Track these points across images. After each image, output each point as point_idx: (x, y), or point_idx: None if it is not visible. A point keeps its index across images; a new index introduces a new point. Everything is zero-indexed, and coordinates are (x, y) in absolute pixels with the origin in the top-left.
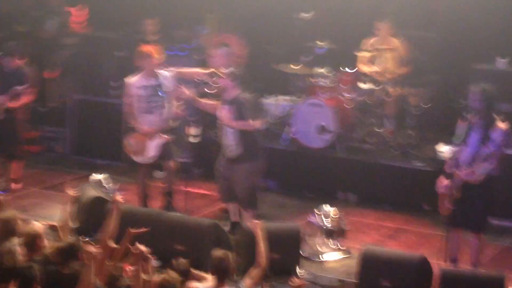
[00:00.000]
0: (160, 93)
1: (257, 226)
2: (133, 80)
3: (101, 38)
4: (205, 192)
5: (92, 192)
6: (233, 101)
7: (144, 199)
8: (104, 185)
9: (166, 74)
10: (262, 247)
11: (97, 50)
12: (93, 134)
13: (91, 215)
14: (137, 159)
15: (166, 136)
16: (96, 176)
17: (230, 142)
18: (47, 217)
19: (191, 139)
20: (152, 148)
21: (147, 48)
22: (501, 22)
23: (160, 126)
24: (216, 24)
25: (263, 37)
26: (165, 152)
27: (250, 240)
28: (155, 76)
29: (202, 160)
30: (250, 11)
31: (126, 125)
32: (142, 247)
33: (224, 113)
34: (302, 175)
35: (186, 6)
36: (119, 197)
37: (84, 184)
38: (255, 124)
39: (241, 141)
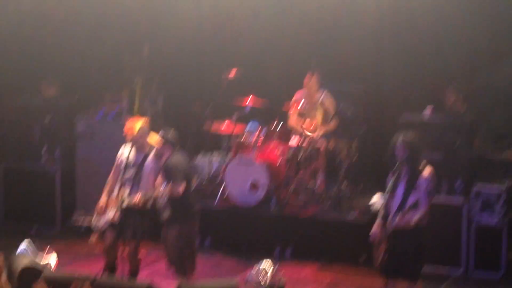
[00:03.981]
0: (138, 172)
1: None
2: (123, 149)
3: (27, 104)
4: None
5: (22, 262)
6: (165, 164)
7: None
8: (30, 253)
9: (154, 159)
10: None
11: (24, 116)
12: (25, 201)
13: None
14: (97, 219)
15: (115, 217)
16: (21, 245)
17: (162, 205)
18: None
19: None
20: (103, 221)
21: (131, 121)
22: (424, 71)
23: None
24: (141, 86)
25: (191, 96)
26: (124, 228)
27: None
28: (143, 153)
29: None
30: (176, 72)
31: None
32: None
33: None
34: (236, 232)
35: (111, 69)
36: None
37: (15, 253)
38: (177, 188)
39: (170, 204)
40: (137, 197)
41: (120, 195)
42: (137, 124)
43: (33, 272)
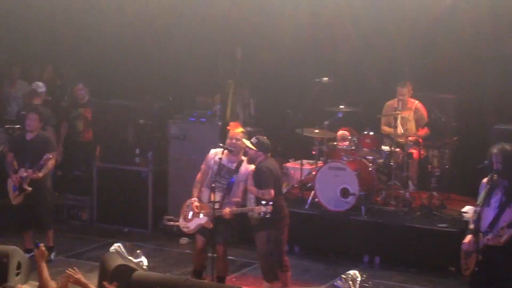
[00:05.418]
0: (231, 179)
1: None
2: (214, 152)
3: (121, 106)
4: None
5: (115, 260)
6: (256, 169)
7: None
8: (124, 252)
9: (248, 167)
10: None
11: (119, 118)
12: (117, 202)
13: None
14: (181, 223)
15: (208, 222)
16: (114, 245)
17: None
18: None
19: None
20: (195, 223)
21: (232, 128)
22: None
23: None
24: (234, 90)
25: (283, 101)
26: (214, 233)
27: None
28: (238, 160)
29: None
30: (268, 76)
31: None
32: None
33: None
34: (325, 238)
35: (204, 72)
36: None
37: (109, 252)
38: (265, 193)
39: None
40: (228, 211)
41: (212, 201)
42: (238, 129)
43: (127, 270)
